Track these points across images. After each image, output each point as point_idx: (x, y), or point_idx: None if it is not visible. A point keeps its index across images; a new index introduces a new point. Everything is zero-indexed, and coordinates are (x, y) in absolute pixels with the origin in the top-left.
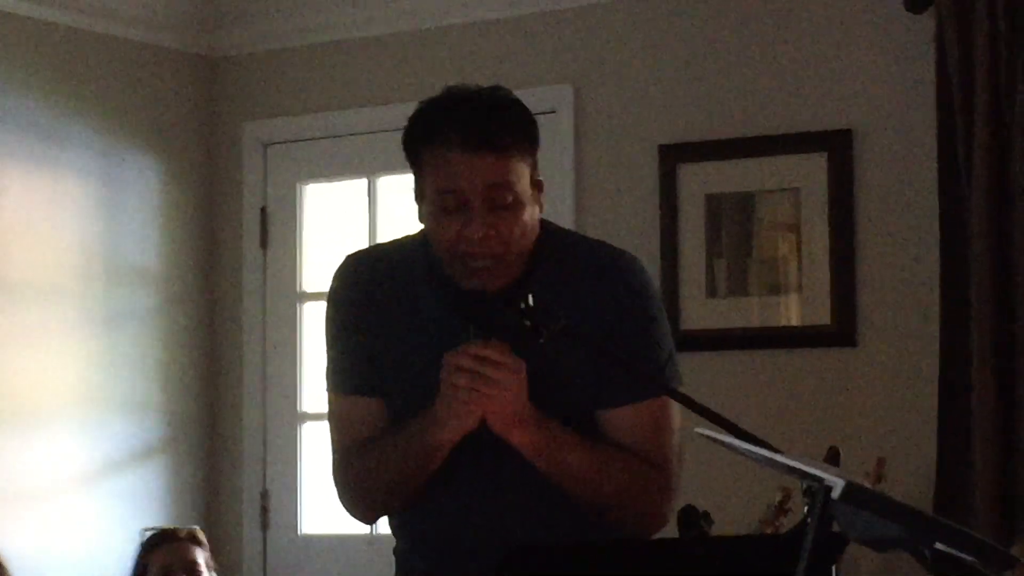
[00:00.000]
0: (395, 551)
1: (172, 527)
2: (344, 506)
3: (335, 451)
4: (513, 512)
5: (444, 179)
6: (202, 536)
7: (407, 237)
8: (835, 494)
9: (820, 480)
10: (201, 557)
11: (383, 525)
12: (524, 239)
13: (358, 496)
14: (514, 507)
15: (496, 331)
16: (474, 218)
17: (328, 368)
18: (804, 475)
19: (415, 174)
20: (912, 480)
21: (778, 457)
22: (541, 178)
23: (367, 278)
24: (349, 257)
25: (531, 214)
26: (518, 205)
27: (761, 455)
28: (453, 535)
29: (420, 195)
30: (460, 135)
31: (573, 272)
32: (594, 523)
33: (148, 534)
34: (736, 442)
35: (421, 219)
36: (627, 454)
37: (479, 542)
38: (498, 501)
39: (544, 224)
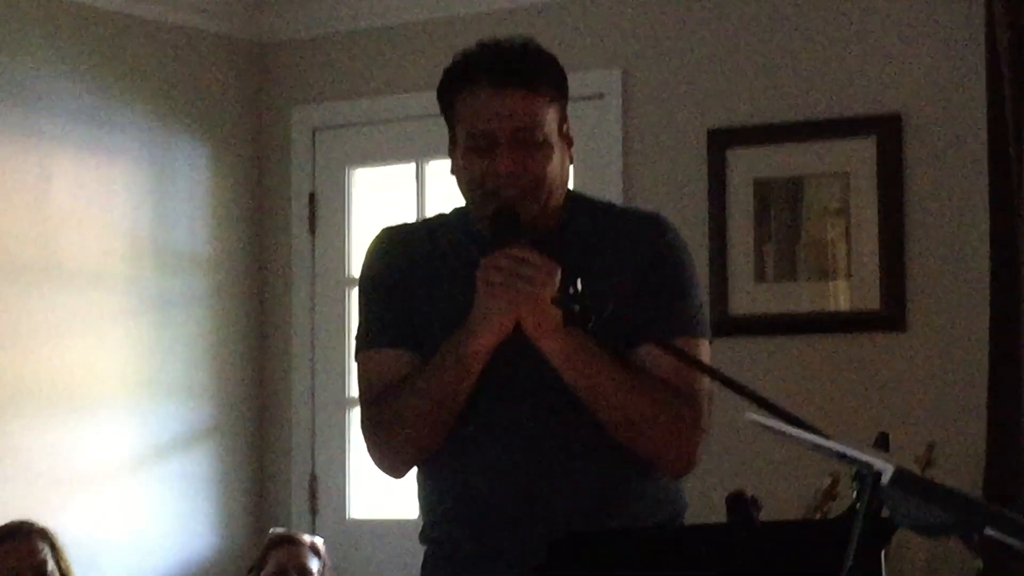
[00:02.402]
0: (424, 535)
1: (297, 534)
2: (375, 457)
3: (364, 403)
4: (544, 474)
5: (474, 120)
6: (323, 548)
7: (445, 212)
8: (884, 480)
9: (870, 466)
10: (315, 566)
11: None
12: (552, 181)
13: (390, 437)
14: (545, 467)
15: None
16: (502, 154)
17: (360, 330)
18: (853, 460)
19: (449, 126)
20: (962, 466)
21: (827, 442)
22: (571, 135)
23: (401, 245)
24: (384, 229)
25: (560, 160)
26: (546, 146)
27: (810, 440)
28: (487, 495)
29: (453, 146)
30: (490, 74)
31: (604, 231)
32: (627, 482)
33: (275, 532)
34: (785, 427)
35: (453, 171)
36: (657, 380)
37: (512, 502)
38: (529, 460)
39: (573, 191)
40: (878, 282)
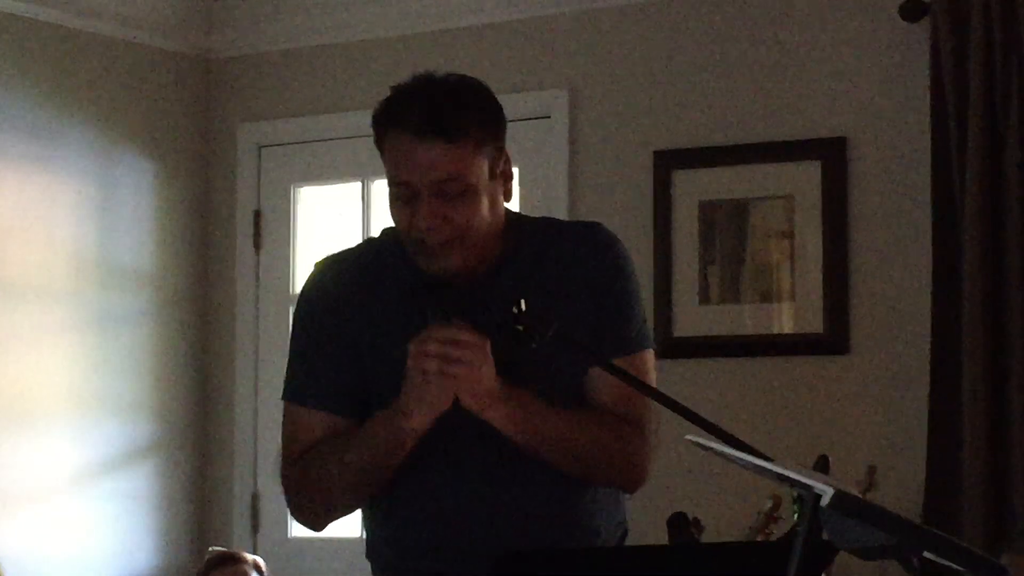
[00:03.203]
0: (372, 556)
1: (239, 552)
2: (293, 512)
3: (286, 459)
4: (496, 500)
5: (397, 169)
6: (264, 567)
7: (376, 237)
8: (824, 502)
9: (809, 488)
10: None
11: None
12: (480, 227)
13: (311, 501)
14: (497, 494)
15: (457, 314)
16: (421, 208)
17: (288, 376)
18: (793, 483)
19: (382, 158)
20: (902, 488)
21: (768, 465)
22: (510, 167)
23: (335, 282)
24: (317, 264)
25: (488, 204)
26: (471, 194)
27: (751, 462)
28: (436, 523)
29: (387, 179)
30: (414, 120)
31: (547, 249)
32: (574, 513)
33: (215, 551)
34: (726, 449)
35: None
36: (600, 413)
37: (460, 531)
38: (481, 490)
39: (511, 213)
40: (821, 305)
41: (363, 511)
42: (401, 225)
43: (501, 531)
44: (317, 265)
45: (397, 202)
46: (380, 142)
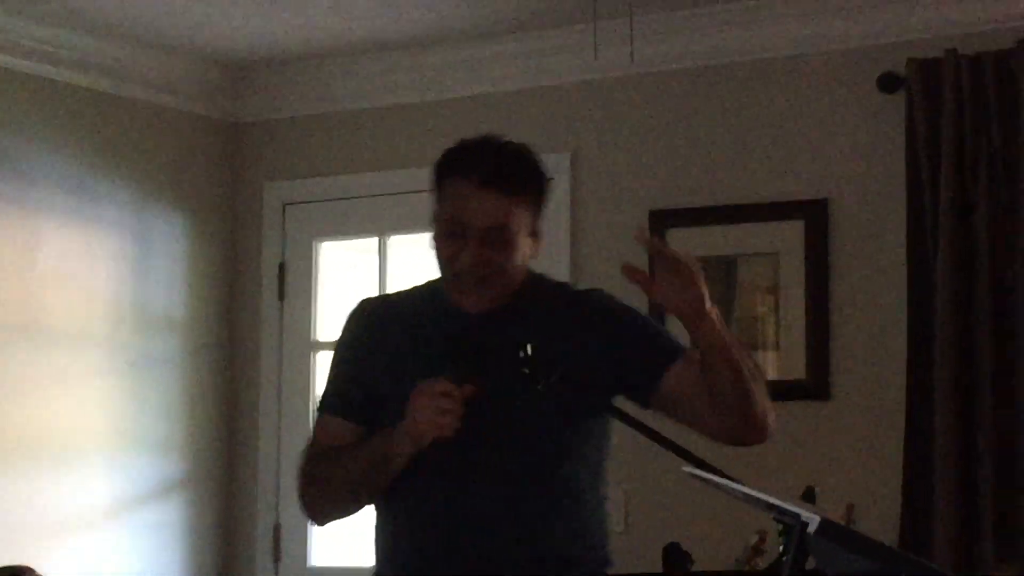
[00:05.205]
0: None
1: None
2: (301, 505)
3: (304, 455)
4: (471, 521)
5: (453, 208)
6: None
7: (416, 285)
8: (811, 529)
9: (797, 516)
10: None
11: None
12: (512, 272)
13: (316, 495)
14: (474, 515)
15: (470, 359)
16: (468, 248)
17: (323, 391)
18: (783, 511)
19: (434, 199)
20: (879, 524)
21: (759, 494)
22: (542, 231)
23: (372, 315)
24: (361, 300)
25: (521, 256)
26: (511, 244)
27: (744, 492)
28: (430, 547)
29: (433, 217)
30: (482, 171)
31: (554, 301)
32: (551, 540)
33: None
34: (720, 480)
35: (431, 242)
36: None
37: (440, 551)
38: (459, 509)
39: (532, 271)
40: (804, 354)
41: (375, 538)
42: (444, 256)
43: (473, 551)
44: (360, 301)
45: (444, 236)
46: (440, 183)
